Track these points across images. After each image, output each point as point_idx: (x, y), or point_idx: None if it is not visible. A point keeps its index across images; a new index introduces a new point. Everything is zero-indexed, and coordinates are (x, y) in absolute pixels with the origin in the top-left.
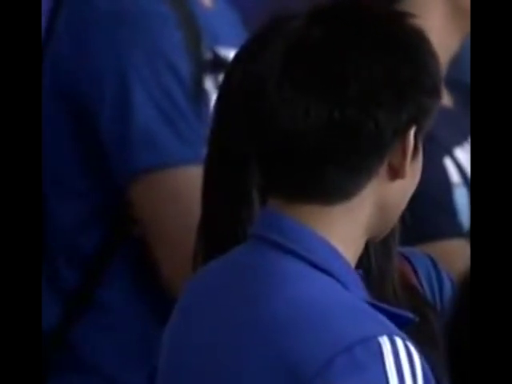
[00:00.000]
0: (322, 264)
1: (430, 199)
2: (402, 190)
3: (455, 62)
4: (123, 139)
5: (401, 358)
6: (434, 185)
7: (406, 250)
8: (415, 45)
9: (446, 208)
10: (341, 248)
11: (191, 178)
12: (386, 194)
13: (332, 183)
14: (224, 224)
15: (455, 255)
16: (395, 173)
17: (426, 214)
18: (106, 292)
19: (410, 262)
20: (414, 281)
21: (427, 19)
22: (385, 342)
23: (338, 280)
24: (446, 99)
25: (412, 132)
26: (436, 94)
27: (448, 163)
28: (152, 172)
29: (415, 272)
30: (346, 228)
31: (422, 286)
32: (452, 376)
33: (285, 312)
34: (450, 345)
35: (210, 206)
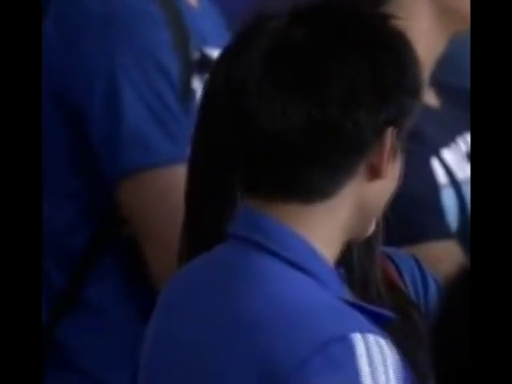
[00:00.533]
0: (302, 263)
1: (417, 200)
2: (381, 190)
3: (443, 62)
4: (113, 139)
5: (373, 354)
6: (421, 186)
7: (390, 250)
8: (397, 46)
9: (433, 209)
10: (320, 247)
11: (181, 177)
12: (366, 194)
13: (312, 182)
14: (208, 223)
15: (442, 256)
16: (375, 173)
17: (413, 215)
18: (95, 292)
19: (393, 262)
20: (398, 281)
21: (413, 21)
22: (357, 338)
23: (317, 279)
24: (434, 100)
25: (391, 132)
26: (417, 95)
27: (435, 164)
28: (142, 172)
29: (399, 272)
30: (325, 227)
31: (405, 285)
32: (437, 376)
33: (264, 311)
34: (435, 345)
35: (194, 205)
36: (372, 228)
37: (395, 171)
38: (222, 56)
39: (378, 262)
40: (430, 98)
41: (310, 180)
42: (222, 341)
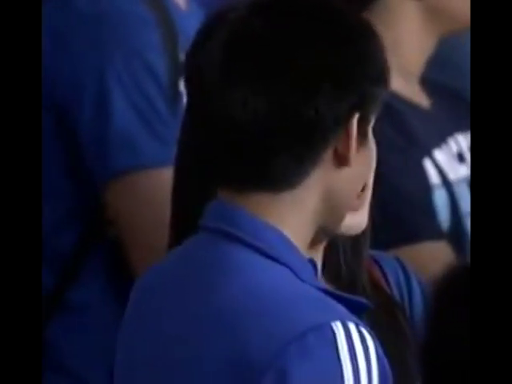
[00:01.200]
0: (275, 253)
1: (410, 200)
2: (350, 178)
3: (433, 62)
4: (101, 140)
5: (354, 342)
6: (413, 186)
7: (375, 252)
8: (359, 34)
9: (426, 209)
10: (292, 237)
11: (168, 179)
12: (334, 182)
13: (277, 172)
14: (194, 223)
15: (435, 256)
16: (342, 160)
17: (406, 215)
18: (81, 293)
19: (378, 264)
20: (383, 282)
21: (401, 21)
22: (338, 327)
23: (290, 269)
24: (425, 101)
25: (355, 119)
26: (382, 83)
27: (427, 165)
28: (129, 173)
29: (384, 274)
30: (295, 217)
31: (390, 287)
32: (425, 377)
33: (239, 302)
34: (425, 347)
35: (180, 206)
36: (343, 219)
37: (366, 159)
38: (188, 51)
39: (366, 264)
40: (422, 99)
41: (276, 170)
42: (199, 333)
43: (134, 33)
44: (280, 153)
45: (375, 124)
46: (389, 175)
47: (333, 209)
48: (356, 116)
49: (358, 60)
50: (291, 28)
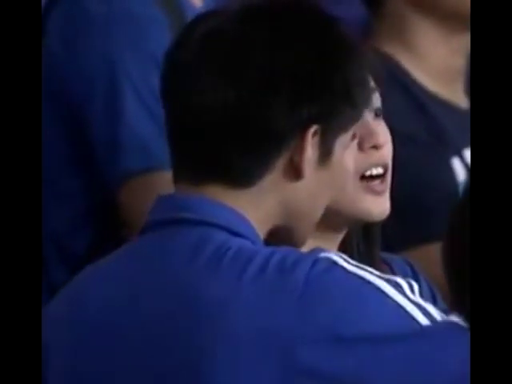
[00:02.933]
0: (242, 231)
1: (437, 198)
2: (308, 193)
3: None
4: (113, 141)
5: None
6: (440, 183)
7: (387, 255)
8: (331, 45)
9: (452, 205)
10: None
11: None
12: (290, 194)
13: (233, 167)
14: None
15: None
16: (295, 172)
17: (433, 212)
18: None
19: (389, 265)
20: None
21: (414, 31)
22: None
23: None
24: (464, 101)
25: (311, 131)
26: (349, 99)
27: (456, 163)
28: (142, 174)
29: (392, 271)
30: (250, 214)
31: None
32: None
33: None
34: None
35: None
36: (306, 236)
37: (329, 178)
38: (169, 47)
39: (378, 266)
40: (461, 100)
41: (231, 164)
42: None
43: (147, 34)
44: (233, 149)
45: (408, 123)
46: (416, 171)
47: (292, 218)
48: (313, 128)
49: (324, 71)
50: (264, 31)
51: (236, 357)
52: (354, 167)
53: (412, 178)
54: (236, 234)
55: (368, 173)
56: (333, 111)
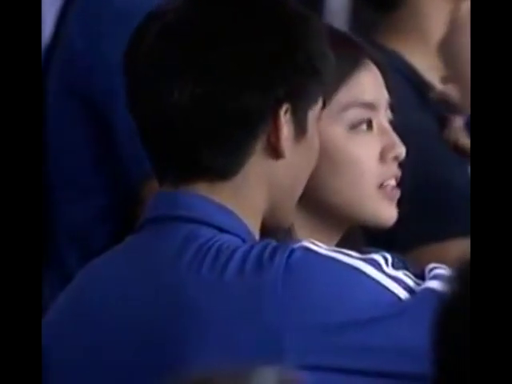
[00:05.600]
0: (231, 229)
1: (451, 195)
2: (290, 171)
3: None
4: (137, 138)
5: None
6: (454, 181)
7: (372, 250)
8: (286, 23)
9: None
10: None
11: None
12: (273, 173)
13: (214, 160)
14: None
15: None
16: (274, 152)
17: (447, 210)
18: None
19: None
20: None
21: (432, 20)
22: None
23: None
24: None
25: (283, 110)
26: (314, 73)
27: None
28: None
29: None
30: (237, 204)
31: None
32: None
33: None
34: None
35: None
36: (291, 213)
37: (307, 151)
38: (127, 45)
39: None
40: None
41: (211, 158)
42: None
43: None
44: (210, 143)
45: (419, 115)
46: (430, 169)
47: (276, 200)
48: (284, 107)
49: (284, 50)
50: (219, 18)
51: (223, 350)
52: (373, 177)
53: (426, 176)
54: (224, 231)
55: (386, 183)
56: (300, 87)
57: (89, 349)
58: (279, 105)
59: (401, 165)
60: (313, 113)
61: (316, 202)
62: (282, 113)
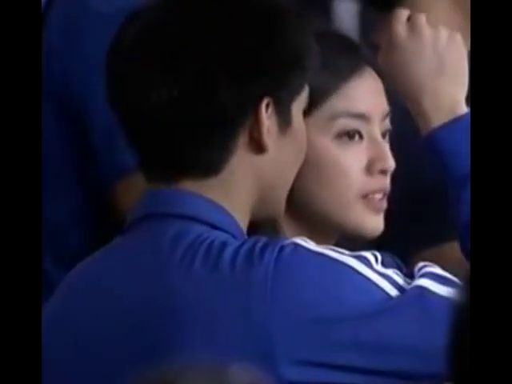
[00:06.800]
0: (222, 226)
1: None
2: (276, 164)
3: None
4: (110, 139)
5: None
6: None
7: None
8: (267, 18)
9: None
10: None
11: None
12: (259, 167)
13: (198, 158)
14: None
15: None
16: (257, 146)
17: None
18: None
19: None
20: None
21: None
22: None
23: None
24: None
25: (264, 104)
26: (296, 67)
27: None
28: (136, 172)
29: None
30: (226, 199)
31: None
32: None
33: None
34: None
35: None
36: (282, 206)
37: (292, 145)
38: (109, 45)
39: None
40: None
41: (195, 156)
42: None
43: None
44: (191, 141)
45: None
46: (431, 171)
47: (266, 193)
48: (265, 101)
49: (261, 45)
50: (196, 17)
51: (213, 346)
52: (357, 188)
53: (427, 178)
54: (214, 227)
55: (371, 195)
56: (282, 80)
57: (80, 345)
58: (260, 99)
59: (393, 177)
60: (297, 105)
61: (302, 210)
62: (263, 107)
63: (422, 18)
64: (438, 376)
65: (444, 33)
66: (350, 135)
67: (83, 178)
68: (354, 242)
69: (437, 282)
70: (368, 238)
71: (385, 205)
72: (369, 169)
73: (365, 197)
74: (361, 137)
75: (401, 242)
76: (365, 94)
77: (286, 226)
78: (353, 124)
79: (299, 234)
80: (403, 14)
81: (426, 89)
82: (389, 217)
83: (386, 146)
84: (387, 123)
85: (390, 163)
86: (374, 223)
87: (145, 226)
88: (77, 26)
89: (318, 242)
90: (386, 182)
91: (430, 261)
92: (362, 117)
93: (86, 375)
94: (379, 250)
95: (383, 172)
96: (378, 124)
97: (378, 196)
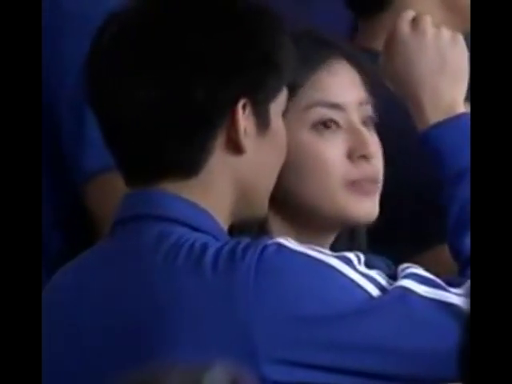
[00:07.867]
0: (204, 227)
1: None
2: (255, 165)
3: None
4: (78, 140)
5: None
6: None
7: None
8: (241, 18)
9: None
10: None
11: None
12: (237, 169)
13: (176, 159)
14: None
15: None
16: (234, 147)
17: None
18: None
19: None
20: None
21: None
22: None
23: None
24: None
25: (241, 105)
26: (271, 67)
27: None
28: (107, 172)
29: None
30: (206, 199)
31: None
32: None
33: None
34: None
35: None
36: (265, 206)
37: (271, 147)
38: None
39: None
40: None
41: (173, 157)
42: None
43: None
44: (170, 142)
45: (404, 121)
46: (429, 171)
47: (247, 192)
48: (241, 102)
49: (236, 46)
50: (172, 19)
51: (196, 346)
52: (340, 176)
53: (425, 178)
54: (196, 229)
55: (358, 182)
56: (258, 81)
57: (64, 347)
58: (236, 100)
59: (386, 163)
60: (275, 107)
61: (288, 206)
62: (239, 108)
63: (426, 18)
64: (419, 376)
65: (447, 33)
66: (326, 125)
67: (56, 180)
68: (352, 234)
69: (419, 282)
70: (363, 223)
71: (376, 189)
72: (350, 156)
73: (352, 184)
74: (338, 126)
75: (400, 244)
76: (336, 84)
77: (275, 224)
78: (327, 113)
79: (290, 232)
80: (408, 13)
81: (425, 87)
82: (388, 217)
83: (365, 133)
84: (367, 110)
85: (372, 148)
86: (366, 208)
87: (127, 228)
88: (50, 26)
89: (314, 238)
90: (371, 167)
91: (429, 263)
92: (335, 106)
93: (72, 376)
94: (378, 253)
95: (365, 157)
96: (356, 112)
97: (363, 180)
